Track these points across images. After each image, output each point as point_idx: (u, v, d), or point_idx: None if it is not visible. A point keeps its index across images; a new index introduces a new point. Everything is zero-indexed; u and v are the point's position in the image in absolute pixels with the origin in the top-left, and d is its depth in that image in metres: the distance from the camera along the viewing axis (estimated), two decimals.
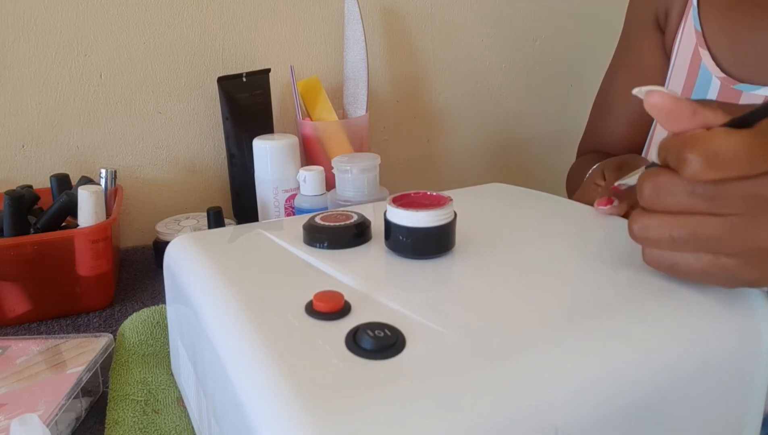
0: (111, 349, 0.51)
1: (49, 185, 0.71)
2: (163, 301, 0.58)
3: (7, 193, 0.63)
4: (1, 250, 0.58)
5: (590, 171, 0.58)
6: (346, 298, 0.34)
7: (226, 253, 0.42)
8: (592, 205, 0.47)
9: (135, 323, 0.56)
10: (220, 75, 0.81)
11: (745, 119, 0.31)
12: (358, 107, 0.85)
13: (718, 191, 0.31)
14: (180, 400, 0.47)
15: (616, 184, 0.46)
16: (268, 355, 0.29)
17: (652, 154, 0.61)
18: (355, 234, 0.42)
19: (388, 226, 0.39)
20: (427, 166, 1.04)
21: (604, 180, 0.53)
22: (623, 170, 0.52)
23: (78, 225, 0.63)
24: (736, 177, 0.30)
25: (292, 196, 0.74)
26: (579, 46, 1.08)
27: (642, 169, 0.41)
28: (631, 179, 0.44)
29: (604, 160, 0.57)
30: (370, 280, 0.36)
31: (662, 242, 0.33)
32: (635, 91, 0.34)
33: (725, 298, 0.35)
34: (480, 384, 0.28)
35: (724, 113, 0.32)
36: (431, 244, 0.39)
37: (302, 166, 0.72)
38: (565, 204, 0.50)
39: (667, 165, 0.32)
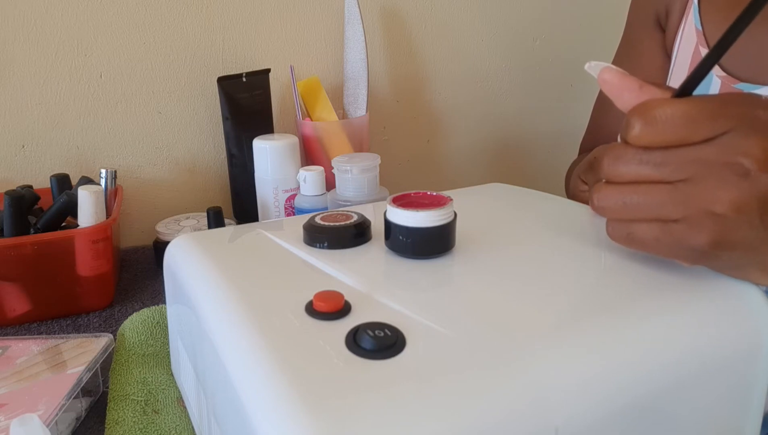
0: (111, 349, 0.51)
1: (49, 185, 0.71)
2: (163, 301, 0.58)
3: (7, 193, 0.63)
4: (1, 250, 0.58)
5: (571, 178, 0.59)
6: (347, 298, 0.34)
7: (226, 253, 0.42)
8: (581, 200, 0.47)
9: (135, 323, 0.56)
10: (220, 75, 0.81)
11: (684, 88, 0.33)
12: (358, 107, 0.85)
13: (664, 157, 0.32)
14: (180, 400, 0.47)
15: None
16: (269, 355, 0.29)
17: None
18: (355, 234, 0.42)
19: (388, 226, 0.39)
20: (427, 166, 1.04)
21: (586, 184, 0.54)
22: (596, 168, 0.52)
23: (78, 225, 0.63)
24: (677, 142, 0.32)
25: (292, 196, 0.74)
26: (579, 46, 1.08)
27: None
28: None
29: (578, 166, 0.57)
30: (370, 280, 0.36)
31: (616, 209, 0.34)
32: (587, 66, 0.36)
33: (725, 298, 0.35)
34: (480, 384, 0.28)
35: (671, 89, 0.33)
36: (431, 244, 0.39)
37: (302, 166, 0.72)
38: (565, 204, 0.50)
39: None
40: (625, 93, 0.34)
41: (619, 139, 0.35)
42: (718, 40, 0.31)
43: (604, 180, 0.35)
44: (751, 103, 0.32)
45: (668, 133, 0.32)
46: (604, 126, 0.76)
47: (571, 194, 0.57)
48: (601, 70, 0.35)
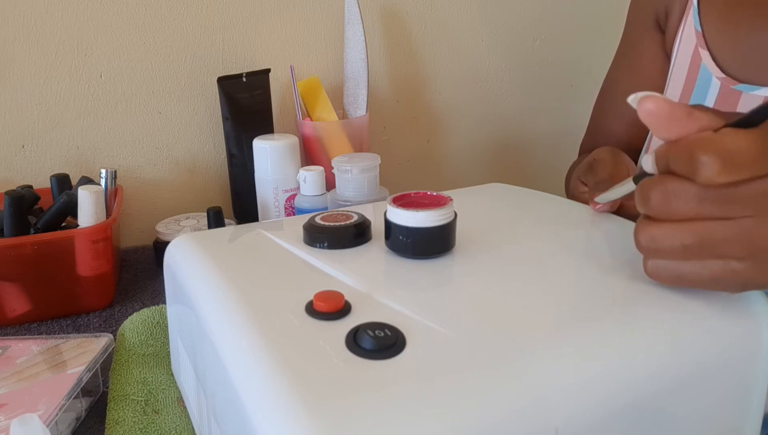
0: (111, 349, 0.51)
1: (49, 185, 0.71)
2: (163, 301, 0.58)
3: (7, 193, 0.63)
4: (1, 250, 0.58)
5: (571, 179, 0.58)
6: (347, 298, 0.34)
7: (226, 253, 0.42)
8: (581, 201, 0.47)
9: (135, 323, 0.56)
10: (220, 75, 0.81)
11: (749, 118, 0.30)
12: (358, 107, 0.85)
13: (730, 195, 0.30)
14: (180, 400, 0.47)
15: (596, 199, 0.46)
16: (269, 355, 0.29)
17: (650, 154, 0.62)
18: (355, 234, 0.42)
19: (389, 226, 0.39)
20: (427, 166, 1.04)
21: (586, 186, 0.54)
22: (595, 169, 0.52)
23: (78, 225, 0.63)
24: (748, 178, 0.29)
25: (292, 196, 0.74)
26: (579, 46, 1.08)
27: (625, 182, 0.41)
28: (611, 193, 0.44)
29: (577, 169, 0.57)
30: (371, 280, 0.36)
31: (672, 252, 0.32)
32: (630, 99, 0.33)
33: (725, 298, 0.35)
34: (480, 384, 0.28)
35: (718, 116, 0.31)
36: (431, 244, 0.39)
37: (302, 166, 0.72)
38: (565, 204, 0.50)
39: (669, 172, 0.31)
40: (673, 123, 0.31)
41: (652, 169, 0.32)
42: None
43: (643, 214, 0.33)
44: None
45: (745, 169, 0.29)
46: (603, 127, 0.76)
47: (571, 195, 0.57)
48: (641, 100, 0.32)
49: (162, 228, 0.76)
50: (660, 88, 0.66)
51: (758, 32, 0.55)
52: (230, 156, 0.83)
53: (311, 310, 0.33)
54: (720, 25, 0.59)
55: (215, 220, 0.70)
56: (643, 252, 0.33)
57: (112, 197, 0.68)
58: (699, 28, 0.60)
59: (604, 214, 0.46)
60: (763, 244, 0.30)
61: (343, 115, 0.88)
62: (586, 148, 0.81)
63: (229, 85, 0.81)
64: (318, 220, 0.43)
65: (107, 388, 0.49)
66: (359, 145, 0.82)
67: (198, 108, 0.85)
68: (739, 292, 0.33)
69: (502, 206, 0.50)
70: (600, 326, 0.32)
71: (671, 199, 0.31)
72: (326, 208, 0.66)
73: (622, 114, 0.73)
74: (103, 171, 0.68)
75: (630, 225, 0.44)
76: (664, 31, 0.67)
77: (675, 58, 0.64)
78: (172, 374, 0.50)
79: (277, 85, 0.87)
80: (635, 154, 0.67)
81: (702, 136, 0.30)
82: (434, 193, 0.41)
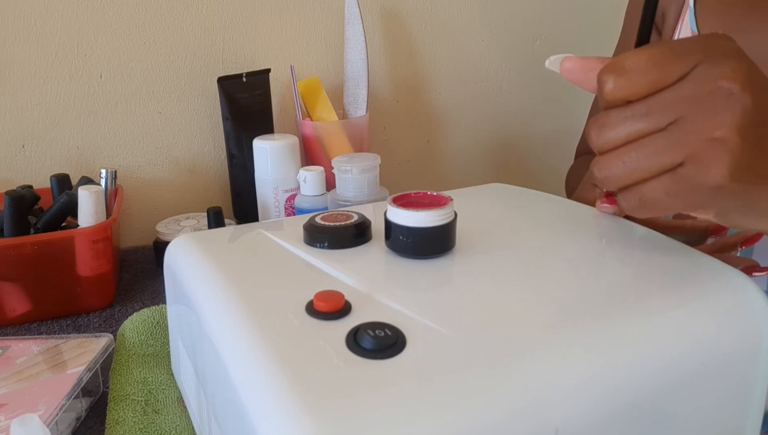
0: (111, 349, 0.51)
1: (49, 185, 0.71)
2: (163, 301, 0.58)
3: (8, 193, 0.63)
4: (1, 250, 0.58)
5: (587, 173, 0.58)
6: (347, 297, 0.34)
7: (226, 253, 0.42)
8: (591, 205, 0.47)
9: (135, 323, 0.56)
10: (220, 75, 0.81)
11: (639, 40, 0.34)
12: (358, 107, 0.85)
13: (646, 107, 0.32)
14: (180, 400, 0.47)
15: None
16: (269, 355, 0.29)
17: None
18: (356, 234, 0.42)
19: (389, 226, 0.39)
20: (427, 166, 1.04)
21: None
22: None
23: (78, 225, 0.63)
24: (654, 87, 0.32)
25: (292, 196, 0.74)
26: (579, 46, 1.08)
27: None
28: None
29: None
30: (371, 280, 0.36)
31: (619, 174, 0.33)
32: (548, 63, 0.37)
33: (725, 297, 0.35)
34: (480, 384, 0.28)
35: None
36: (431, 244, 0.39)
37: (302, 166, 0.72)
38: (565, 204, 0.50)
39: None
40: (590, 73, 0.35)
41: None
42: None
43: (597, 153, 0.35)
44: (710, 37, 0.33)
45: (641, 79, 0.32)
46: None
47: (576, 195, 0.56)
48: (561, 62, 0.36)
49: (162, 228, 0.76)
50: None
51: (753, 32, 0.55)
52: (230, 156, 0.83)
53: (311, 310, 0.33)
54: (716, 26, 0.59)
55: (215, 220, 0.70)
56: (600, 184, 0.35)
57: (112, 197, 0.68)
58: (695, 29, 0.60)
59: (605, 215, 0.46)
60: (694, 140, 0.31)
61: (343, 115, 0.88)
62: (582, 151, 0.81)
63: (229, 85, 0.81)
64: (318, 220, 0.43)
65: (107, 388, 0.49)
66: (359, 145, 0.82)
67: (198, 108, 0.85)
68: (707, 208, 0.34)
69: (502, 206, 0.50)
70: (600, 326, 0.32)
71: (603, 128, 0.34)
72: (326, 208, 0.66)
73: None
74: (103, 171, 0.68)
75: (631, 226, 0.44)
76: (661, 32, 0.67)
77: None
78: (172, 374, 0.50)
79: (277, 85, 0.87)
80: None
81: (606, 63, 0.34)
82: (434, 193, 0.41)
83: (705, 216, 0.35)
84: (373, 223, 0.44)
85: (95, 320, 0.62)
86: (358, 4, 0.83)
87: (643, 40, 0.35)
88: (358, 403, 0.26)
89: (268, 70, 0.83)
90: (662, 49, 0.32)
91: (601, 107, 0.34)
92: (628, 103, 0.33)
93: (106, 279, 0.64)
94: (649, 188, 0.33)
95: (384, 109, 0.97)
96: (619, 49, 0.74)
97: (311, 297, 0.34)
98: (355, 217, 0.43)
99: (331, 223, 0.42)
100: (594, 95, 0.78)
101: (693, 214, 0.35)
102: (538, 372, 0.29)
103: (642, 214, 0.34)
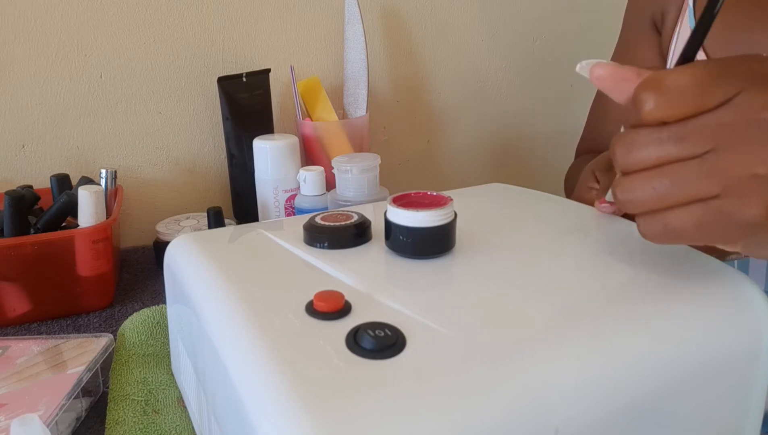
0: (111, 349, 0.51)
1: (49, 185, 0.71)
2: (163, 301, 0.58)
3: (8, 193, 0.63)
4: (1, 250, 0.58)
5: (582, 173, 0.58)
6: (347, 297, 0.34)
7: (226, 253, 0.42)
8: (589, 205, 0.47)
9: (135, 323, 0.56)
10: (220, 75, 0.81)
11: (685, 56, 0.32)
12: (358, 107, 0.85)
13: (684, 131, 0.30)
14: (180, 400, 0.47)
15: (605, 198, 0.46)
16: (269, 355, 0.29)
17: None
18: (356, 234, 0.42)
19: (389, 226, 0.39)
20: (427, 166, 1.04)
21: (597, 182, 0.53)
22: (613, 170, 0.51)
23: (78, 225, 0.63)
24: (694, 111, 0.30)
25: (292, 196, 0.74)
26: (579, 46, 1.08)
27: None
28: None
29: (593, 160, 0.56)
30: (371, 280, 0.36)
31: (647, 200, 0.31)
32: (578, 68, 0.34)
33: (725, 298, 0.35)
34: (480, 384, 0.28)
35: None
36: (431, 244, 0.39)
37: (302, 166, 0.72)
38: (565, 204, 0.50)
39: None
40: (623, 83, 0.33)
41: (622, 129, 0.33)
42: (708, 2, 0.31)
43: (619, 174, 0.33)
44: (755, 61, 0.31)
45: (684, 100, 0.30)
46: (601, 129, 0.76)
47: (576, 194, 0.56)
48: (591, 68, 0.34)
49: (162, 228, 0.76)
50: None
51: (753, 33, 0.55)
52: (230, 156, 0.83)
53: (311, 310, 0.33)
54: (715, 27, 0.59)
55: (215, 220, 0.70)
56: (623, 208, 0.33)
57: (112, 197, 0.68)
58: None
59: (604, 215, 0.46)
60: (733, 173, 0.29)
61: (343, 115, 0.88)
62: (582, 150, 0.81)
63: (229, 85, 0.81)
64: (318, 220, 0.43)
65: (107, 388, 0.49)
66: (359, 145, 0.82)
67: (198, 108, 0.85)
68: (734, 242, 0.32)
69: (502, 206, 0.50)
70: (600, 326, 0.32)
71: (632, 148, 0.31)
72: (326, 208, 0.66)
73: (618, 115, 0.73)
74: (103, 171, 0.68)
75: (631, 226, 0.44)
76: (660, 32, 0.67)
77: (671, 59, 0.64)
78: (172, 374, 0.50)
79: (277, 85, 0.87)
80: None
81: (644, 78, 0.31)
82: (434, 193, 0.41)
83: (731, 249, 0.33)
84: (373, 223, 0.44)
85: (95, 320, 0.62)
86: (358, 4, 0.83)
87: (688, 58, 0.33)
88: (358, 403, 0.26)
89: (268, 70, 0.83)
90: (707, 70, 0.30)
91: (631, 124, 0.32)
92: (662, 123, 0.31)
93: (106, 279, 0.64)
94: (677, 217, 0.31)
95: (384, 109, 0.97)
96: (619, 51, 0.74)
97: (311, 297, 0.34)
98: (355, 217, 0.43)
99: (331, 223, 0.42)
100: (594, 94, 0.79)
101: (718, 247, 0.33)
102: (538, 372, 0.29)
103: (663, 241, 0.32)
